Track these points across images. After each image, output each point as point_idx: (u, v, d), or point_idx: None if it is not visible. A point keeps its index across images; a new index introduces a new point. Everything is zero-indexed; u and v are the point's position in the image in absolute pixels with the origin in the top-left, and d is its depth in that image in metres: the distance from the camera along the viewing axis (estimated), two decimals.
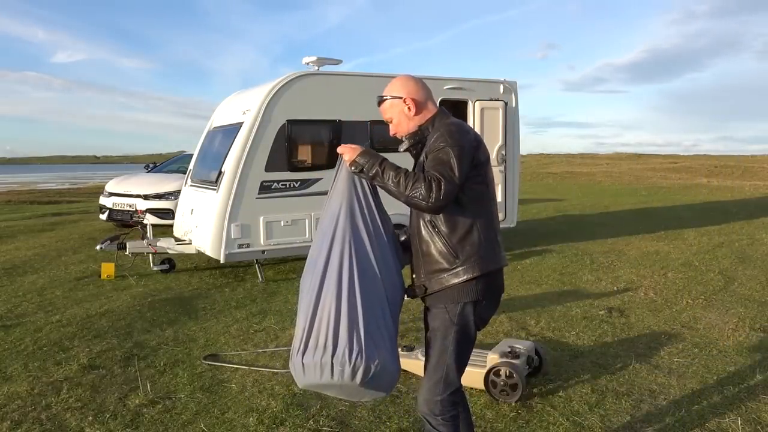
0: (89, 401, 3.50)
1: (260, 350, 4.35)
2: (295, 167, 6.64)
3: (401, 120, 2.29)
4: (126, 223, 9.95)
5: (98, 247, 6.81)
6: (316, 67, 6.90)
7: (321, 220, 2.26)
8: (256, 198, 6.37)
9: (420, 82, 2.32)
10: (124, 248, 6.83)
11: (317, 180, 6.71)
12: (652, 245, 8.64)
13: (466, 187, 2.12)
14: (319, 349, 2.05)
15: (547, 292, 5.99)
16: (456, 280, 2.14)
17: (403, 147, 2.35)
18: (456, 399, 2.23)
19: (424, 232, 2.19)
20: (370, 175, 2.13)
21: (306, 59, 6.96)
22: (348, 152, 2.19)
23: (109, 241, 6.84)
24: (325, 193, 7.15)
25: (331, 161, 6.81)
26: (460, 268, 2.14)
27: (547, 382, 3.68)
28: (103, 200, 10.50)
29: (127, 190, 10.25)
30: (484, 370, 3.48)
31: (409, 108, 2.26)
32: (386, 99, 2.31)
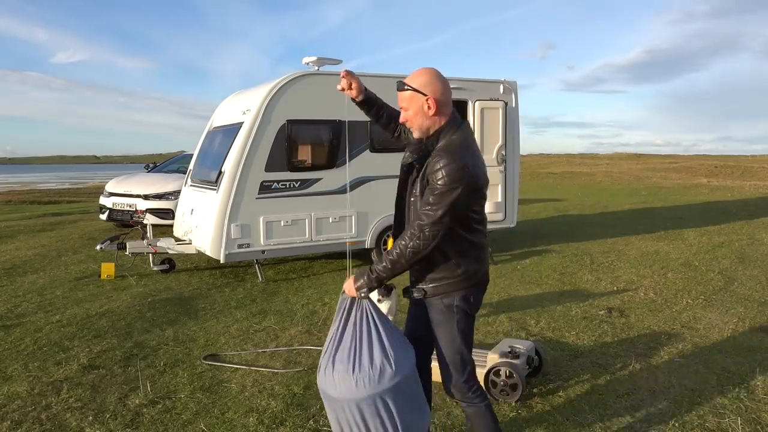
0: (89, 401, 3.50)
1: (260, 350, 4.35)
2: (295, 167, 6.63)
3: (418, 114, 2.31)
4: (126, 223, 9.95)
5: (98, 247, 6.81)
6: (316, 67, 6.90)
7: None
8: (256, 198, 6.37)
9: (446, 83, 2.33)
10: (124, 248, 6.83)
11: (317, 180, 6.71)
12: (652, 245, 8.64)
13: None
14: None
15: (547, 292, 5.99)
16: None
17: (406, 161, 2.41)
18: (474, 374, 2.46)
19: None
20: (376, 282, 2.28)
21: (306, 59, 6.95)
22: (349, 289, 2.32)
23: (109, 241, 6.84)
24: (325, 193, 7.19)
25: (331, 161, 6.82)
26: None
27: (547, 382, 3.68)
28: (103, 200, 10.50)
29: (127, 190, 10.25)
30: (484, 370, 3.47)
31: (429, 107, 2.28)
32: (408, 89, 2.31)
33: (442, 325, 2.35)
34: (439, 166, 2.17)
